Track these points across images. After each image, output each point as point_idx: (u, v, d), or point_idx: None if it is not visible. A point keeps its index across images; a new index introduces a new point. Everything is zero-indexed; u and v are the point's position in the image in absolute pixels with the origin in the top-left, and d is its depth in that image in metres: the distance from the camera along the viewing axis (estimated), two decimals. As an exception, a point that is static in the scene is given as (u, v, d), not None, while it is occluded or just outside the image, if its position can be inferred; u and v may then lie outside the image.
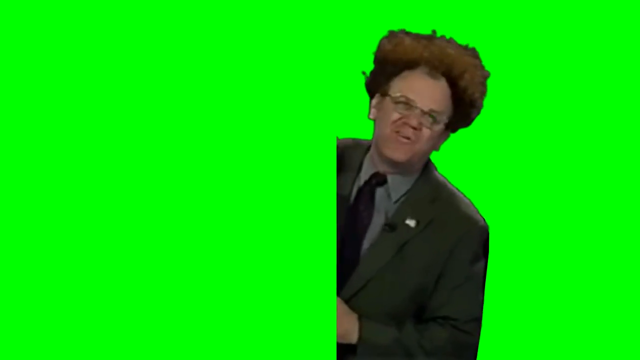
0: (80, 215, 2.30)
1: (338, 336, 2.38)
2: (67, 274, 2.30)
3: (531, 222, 4.26)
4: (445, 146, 2.65)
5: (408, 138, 2.48)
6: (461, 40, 2.61)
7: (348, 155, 2.62)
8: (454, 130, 2.60)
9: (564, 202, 4.25)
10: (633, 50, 4.15)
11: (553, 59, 4.19)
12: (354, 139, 2.69)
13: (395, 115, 2.49)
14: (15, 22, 2.30)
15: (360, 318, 2.47)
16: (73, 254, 2.30)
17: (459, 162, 3.06)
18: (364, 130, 2.72)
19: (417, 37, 2.54)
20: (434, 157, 2.64)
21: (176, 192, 2.34)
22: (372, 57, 2.61)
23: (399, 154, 2.50)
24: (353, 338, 2.47)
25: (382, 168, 2.56)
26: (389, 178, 2.56)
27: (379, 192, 2.57)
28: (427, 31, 2.60)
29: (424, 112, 2.48)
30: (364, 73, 2.61)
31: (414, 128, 2.48)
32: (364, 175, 2.58)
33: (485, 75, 2.56)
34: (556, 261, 4.26)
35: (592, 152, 4.23)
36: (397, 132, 2.49)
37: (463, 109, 2.54)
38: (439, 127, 2.51)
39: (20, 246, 2.29)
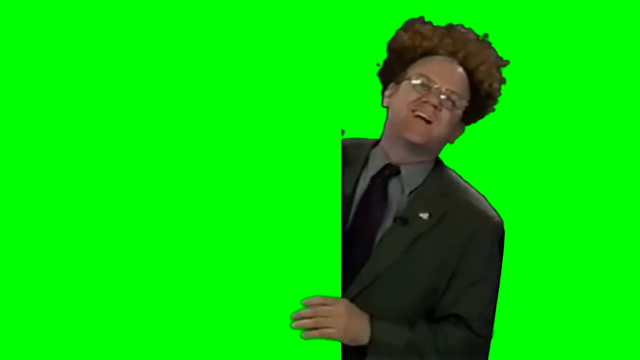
0: (87, 215, 2.34)
1: (349, 340, 2.34)
2: (66, 274, 2.34)
3: (536, 222, 4.25)
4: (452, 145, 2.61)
5: (427, 120, 2.44)
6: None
7: (350, 152, 2.55)
8: (467, 123, 2.57)
9: (570, 202, 4.24)
10: (634, 50, 4.18)
11: (556, 59, 4.21)
12: (355, 138, 2.65)
13: (414, 95, 2.46)
14: (16, 23, 2.35)
15: (371, 318, 2.38)
16: (73, 253, 2.34)
17: (464, 160, 2.98)
18: (368, 131, 2.70)
19: (434, 26, 2.54)
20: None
21: (177, 190, 2.32)
22: (374, 56, 2.61)
23: (417, 135, 2.45)
24: (365, 339, 2.37)
25: (395, 157, 2.50)
26: (403, 169, 2.50)
27: (392, 184, 2.50)
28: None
29: (443, 92, 2.45)
30: (378, 64, 2.59)
31: (434, 106, 2.44)
32: (372, 169, 2.52)
33: (502, 64, 2.55)
34: (562, 261, 4.25)
35: (596, 152, 4.23)
36: (415, 111, 2.45)
37: (480, 100, 2.52)
38: (458, 112, 2.48)
39: (20, 246, 2.34)
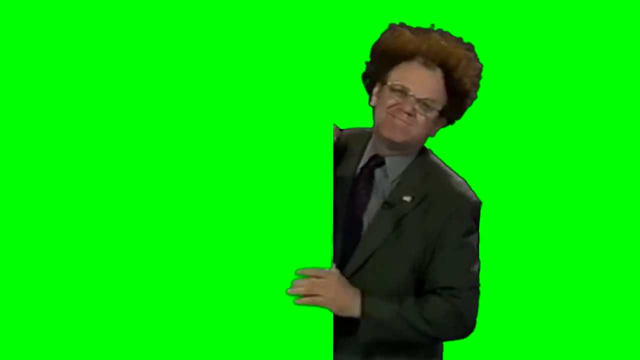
0: (74, 215, 2.43)
1: (337, 309, 2.54)
2: (65, 274, 2.43)
3: (524, 220, 4.39)
4: (442, 141, 2.81)
5: (403, 122, 2.64)
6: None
7: (353, 144, 2.79)
8: (450, 121, 2.76)
9: (557, 200, 4.37)
10: (627, 50, 4.24)
11: (548, 56, 4.30)
12: (361, 128, 2.85)
13: (391, 101, 2.66)
14: (17, 23, 2.39)
15: (363, 295, 2.57)
16: (71, 253, 2.43)
17: (455, 157, 3.14)
18: (356, 124, 2.90)
19: (416, 30, 2.70)
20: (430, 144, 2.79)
21: (172, 179, 2.44)
22: (365, 53, 2.76)
23: (396, 134, 2.66)
24: (355, 312, 2.57)
25: (381, 151, 2.72)
26: (387, 159, 2.72)
27: (378, 172, 2.72)
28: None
29: (417, 100, 2.64)
30: (367, 63, 2.76)
31: (408, 114, 2.64)
32: (364, 159, 2.75)
33: (479, 67, 2.71)
34: (548, 258, 4.38)
35: (585, 147, 4.32)
36: (393, 116, 2.65)
37: (457, 98, 2.70)
38: (433, 114, 2.67)
39: (20, 247, 2.41)
